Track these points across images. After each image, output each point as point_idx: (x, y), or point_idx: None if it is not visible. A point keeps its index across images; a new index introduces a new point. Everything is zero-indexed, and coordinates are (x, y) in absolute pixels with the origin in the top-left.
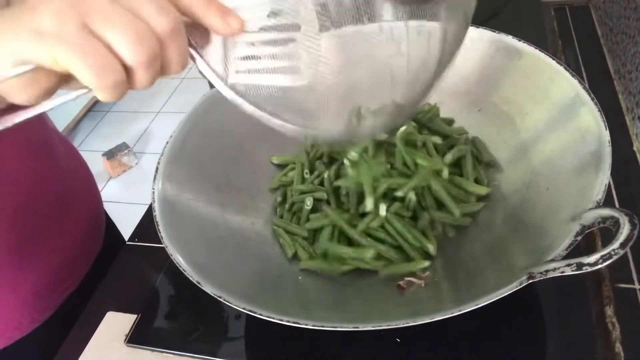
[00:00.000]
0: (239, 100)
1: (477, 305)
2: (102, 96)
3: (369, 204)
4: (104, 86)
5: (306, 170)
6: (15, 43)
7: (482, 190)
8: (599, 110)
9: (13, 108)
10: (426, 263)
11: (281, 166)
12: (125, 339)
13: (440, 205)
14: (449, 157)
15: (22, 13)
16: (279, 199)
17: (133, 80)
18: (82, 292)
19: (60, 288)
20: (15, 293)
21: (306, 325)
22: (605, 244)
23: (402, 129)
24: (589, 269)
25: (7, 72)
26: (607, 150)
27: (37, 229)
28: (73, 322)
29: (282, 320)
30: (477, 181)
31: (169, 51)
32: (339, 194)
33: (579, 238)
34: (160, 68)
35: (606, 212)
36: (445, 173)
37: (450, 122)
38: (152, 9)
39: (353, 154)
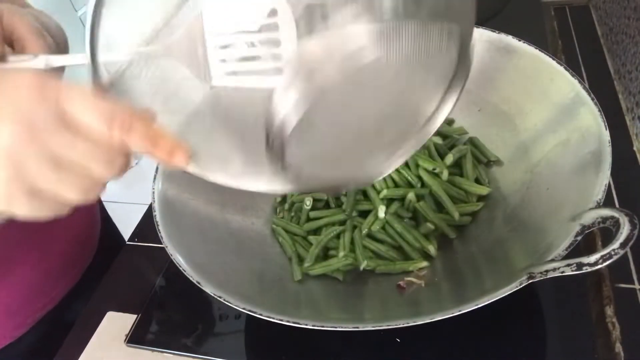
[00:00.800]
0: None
1: (477, 305)
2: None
3: (380, 212)
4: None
5: None
6: None
7: (482, 190)
8: (599, 110)
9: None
10: (424, 263)
11: None
12: (125, 339)
13: (440, 206)
14: (449, 157)
15: None
16: (279, 198)
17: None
18: (81, 291)
19: (44, 299)
20: None
21: (306, 325)
22: (605, 244)
23: None
24: (589, 269)
25: None
26: (607, 150)
27: (19, 240)
28: (68, 323)
29: (282, 320)
30: (477, 181)
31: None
32: (337, 195)
33: (579, 238)
34: None
35: (606, 212)
36: (445, 174)
37: (450, 122)
38: (100, 168)
39: None
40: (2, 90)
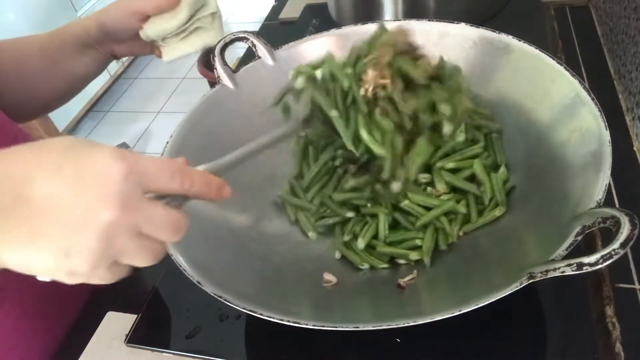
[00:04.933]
0: None
1: (477, 305)
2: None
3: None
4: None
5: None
6: (34, 257)
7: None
8: (599, 110)
9: None
10: (415, 254)
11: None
12: (125, 339)
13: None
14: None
15: (47, 238)
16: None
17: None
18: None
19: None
20: None
21: (306, 325)
22: (605, 244)
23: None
24: (590, 269)
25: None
26: (608, 150)
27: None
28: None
29: (282, 320)
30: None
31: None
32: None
33: (580, 238)
34: None
35: (607, 211)
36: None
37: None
38: (171, 232)
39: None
40: (90, 168)
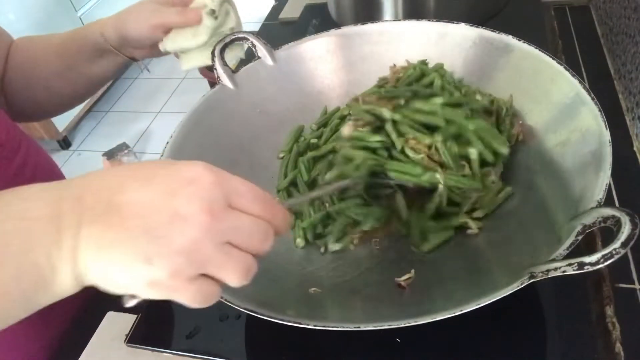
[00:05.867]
0: None
1: (477, 305)
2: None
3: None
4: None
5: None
6: (116, 263)
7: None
8: (599, 110)
9: None
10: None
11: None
12: (125, 339)
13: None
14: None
15: (134, 251)
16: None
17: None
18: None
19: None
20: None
21: (307, 325)
22: (605, 244)
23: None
24: (590, 269)
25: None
26: (608, 149)
27: None
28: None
29: (282, 320)
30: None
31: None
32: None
33: (580, 237)
34: None
35: (607, 211)
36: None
37: None
38: (259, 243)
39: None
40: (180, 176)
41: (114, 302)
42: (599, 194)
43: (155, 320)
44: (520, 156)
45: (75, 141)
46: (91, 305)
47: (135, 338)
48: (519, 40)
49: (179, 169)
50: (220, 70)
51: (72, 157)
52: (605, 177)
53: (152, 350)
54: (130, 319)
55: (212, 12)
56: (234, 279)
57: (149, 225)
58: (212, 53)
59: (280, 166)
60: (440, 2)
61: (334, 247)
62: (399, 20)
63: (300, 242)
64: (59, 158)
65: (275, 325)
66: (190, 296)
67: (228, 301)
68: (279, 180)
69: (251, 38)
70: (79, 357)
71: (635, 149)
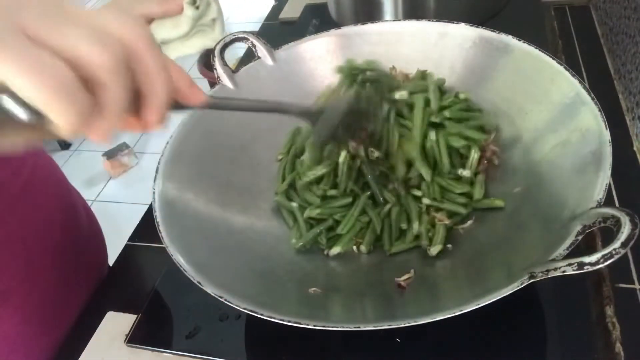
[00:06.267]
0: None
1: (477, 305)
2: (65, 123)
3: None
4: (62, 107)
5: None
6: None
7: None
8: (599, 110)
9: None
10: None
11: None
12: (125, 339)
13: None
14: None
15: None
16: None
17: (102, 104)
18: None
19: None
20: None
21: (307, 325)
22: (605, 244)
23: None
24: (590, 269)
25: None
26: (608, 149)
27: (77, 263)
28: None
29: (282, 320)
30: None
31: (142, 65)
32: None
33: (580, 237)
34: (135, 90)
35: (607, 211)
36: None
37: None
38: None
39: None
40: None
41: (114, 302)
42: (599, 194)
43: (155, 320)
44: (519, 156)
45: (75, 141)
46: (91, 305)
47: (135, 338)
48: (519, 40)
49: None
50: (220, 70)
51: (72, 157)
52: (605, 177)
53: (152, 350)
54: (130, 319)
55: (193, 2)
56: (82, 45)
57: None
58: (212, 53)
59: (279, 169)
60: (440, 2)
61: (335, 251)
62: (399, 20)
63: (295, 242)
64: (59, 158)
65: (275, 325)
66: (26, 64)
67: (228, 301)
68: (277, 183)
69: (251, 38)
70: (79, 357)
71: (635, 149)
